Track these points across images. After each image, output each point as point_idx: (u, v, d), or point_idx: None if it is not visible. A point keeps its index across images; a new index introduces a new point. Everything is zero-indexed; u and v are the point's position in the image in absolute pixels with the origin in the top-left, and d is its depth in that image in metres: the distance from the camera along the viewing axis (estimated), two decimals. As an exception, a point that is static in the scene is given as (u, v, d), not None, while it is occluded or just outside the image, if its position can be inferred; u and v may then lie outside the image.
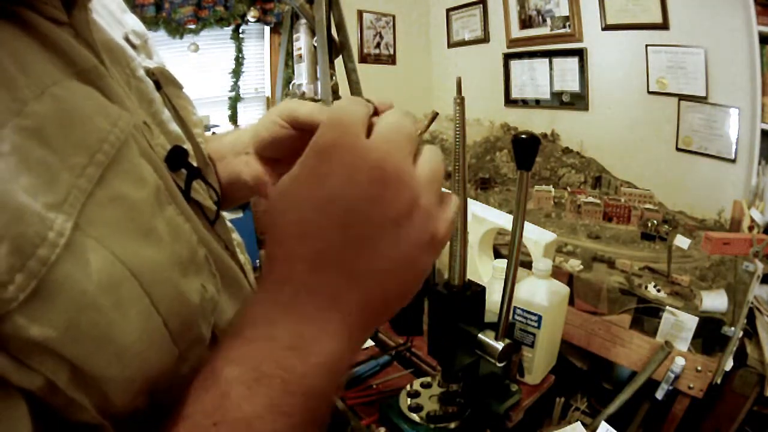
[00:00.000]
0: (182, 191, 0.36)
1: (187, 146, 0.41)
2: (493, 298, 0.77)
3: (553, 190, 2.20)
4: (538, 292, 0.86)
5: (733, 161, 1.73)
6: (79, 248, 0.24)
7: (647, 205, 1.95)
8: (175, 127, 0.41)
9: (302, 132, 0.42)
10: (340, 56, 1.13)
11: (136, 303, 0.27)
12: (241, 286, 0.43)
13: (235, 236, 0.51)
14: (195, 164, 0.40)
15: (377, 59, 2.77)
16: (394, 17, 2.80)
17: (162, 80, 0.42)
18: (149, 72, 0.40)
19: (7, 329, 0.22)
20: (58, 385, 0.24)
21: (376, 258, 0.26)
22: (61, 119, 0.25)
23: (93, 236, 0.25)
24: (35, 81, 0.25)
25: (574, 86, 2.29)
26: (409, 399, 0.78)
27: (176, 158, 0.37)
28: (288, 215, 0.27)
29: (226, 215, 0.49)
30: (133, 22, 0.45)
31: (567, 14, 2.23)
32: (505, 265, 0.69)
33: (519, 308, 0.87)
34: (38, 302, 0.22)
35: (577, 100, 2.30)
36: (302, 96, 1.12)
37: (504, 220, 1.05)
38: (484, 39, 2.65)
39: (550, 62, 2.36)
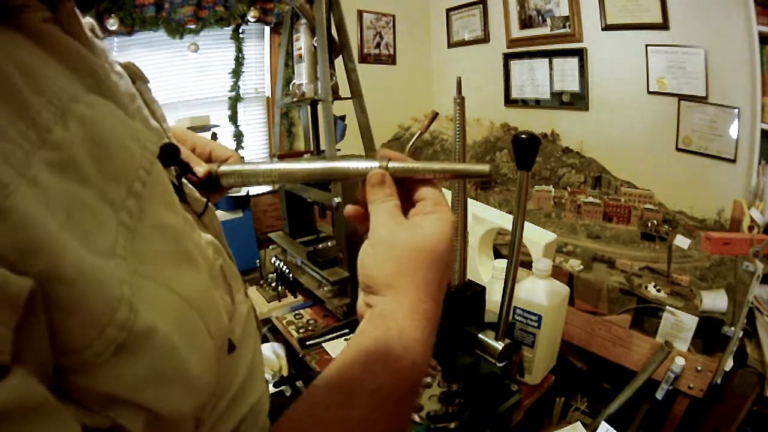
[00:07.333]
0: (176, 188, 0.35)
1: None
2: (493, 298, 0.77)
3: (553, 190, 2.20)
4: (538, 292, 0.86)
5: (733, 161, 1.73)
6: (145, 293, 0.22)
7: (647, 205, 1.95)
8: (155, 123, 0.39)
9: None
10: (340, 56, 1.13)
11: (198, 333, 0.26)
12: (236, 275, 0.42)
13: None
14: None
15: (377, 59, 2.77)
16: (394, 17, 2.79)
17: (133, 76, 0.39)
18: (122, 66, 0.38)
19: (84, 382, 0.20)
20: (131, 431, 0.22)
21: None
22: (91, 147, 0.22)
23: (147, 275, 0.23)
24: (50, 97, 0.21)
25: (574, 86, 2.29)
26: (409, 399, 0.78)
27: (168, 156, 0.35)
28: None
29: (226, 215, 0.48)
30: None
31: (567, 14, 2.22)
32: (505, 265, 0.69)
33: (519, 308, 0.87)
34: (122, 358, 0.21)
35: (577, 100, 2.30)
36: (302, 96, 1.12)
37: (504, 220, 1.05)
38: (484, 39, 2.65)
39: (550, 62, 2.36)
